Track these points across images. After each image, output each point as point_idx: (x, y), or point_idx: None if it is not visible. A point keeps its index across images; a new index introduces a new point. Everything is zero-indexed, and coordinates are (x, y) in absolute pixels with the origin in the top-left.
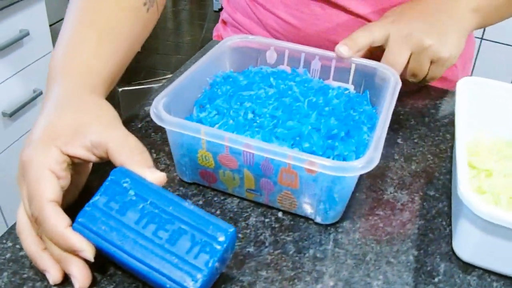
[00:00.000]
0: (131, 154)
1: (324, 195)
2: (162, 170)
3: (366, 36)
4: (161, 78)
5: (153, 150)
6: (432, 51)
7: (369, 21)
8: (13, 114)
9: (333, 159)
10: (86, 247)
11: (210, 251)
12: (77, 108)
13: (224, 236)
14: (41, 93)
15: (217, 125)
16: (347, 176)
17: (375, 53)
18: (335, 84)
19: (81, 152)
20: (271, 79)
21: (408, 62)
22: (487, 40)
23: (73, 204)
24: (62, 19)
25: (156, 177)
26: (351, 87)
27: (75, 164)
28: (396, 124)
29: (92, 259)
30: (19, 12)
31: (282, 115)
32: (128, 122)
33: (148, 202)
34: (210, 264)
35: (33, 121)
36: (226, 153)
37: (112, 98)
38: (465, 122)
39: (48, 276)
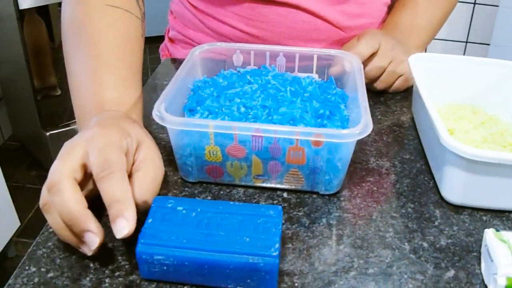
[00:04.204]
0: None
1: (328, 166)
2: None
3: (369, 48)
4: None
5: None
6: (404, 66)
7: (320, 17)
8: None
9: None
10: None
11: (273, 225)
12: (118, 124)
13: (276, 212)
14: None
15: None
16: (347, 143)
17: None
18: (302, 75)
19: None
20: (248, 76)
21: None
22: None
23: None
24: None
25: None
26: (315, 76)
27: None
28: None
29: (97, 244)
30: None
31: (272, 104)
32: None
33: (199, 210)
34: (279, 233)
35: None
36: (235, 143)
37: (40, 142)
38: (427, 89)
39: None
